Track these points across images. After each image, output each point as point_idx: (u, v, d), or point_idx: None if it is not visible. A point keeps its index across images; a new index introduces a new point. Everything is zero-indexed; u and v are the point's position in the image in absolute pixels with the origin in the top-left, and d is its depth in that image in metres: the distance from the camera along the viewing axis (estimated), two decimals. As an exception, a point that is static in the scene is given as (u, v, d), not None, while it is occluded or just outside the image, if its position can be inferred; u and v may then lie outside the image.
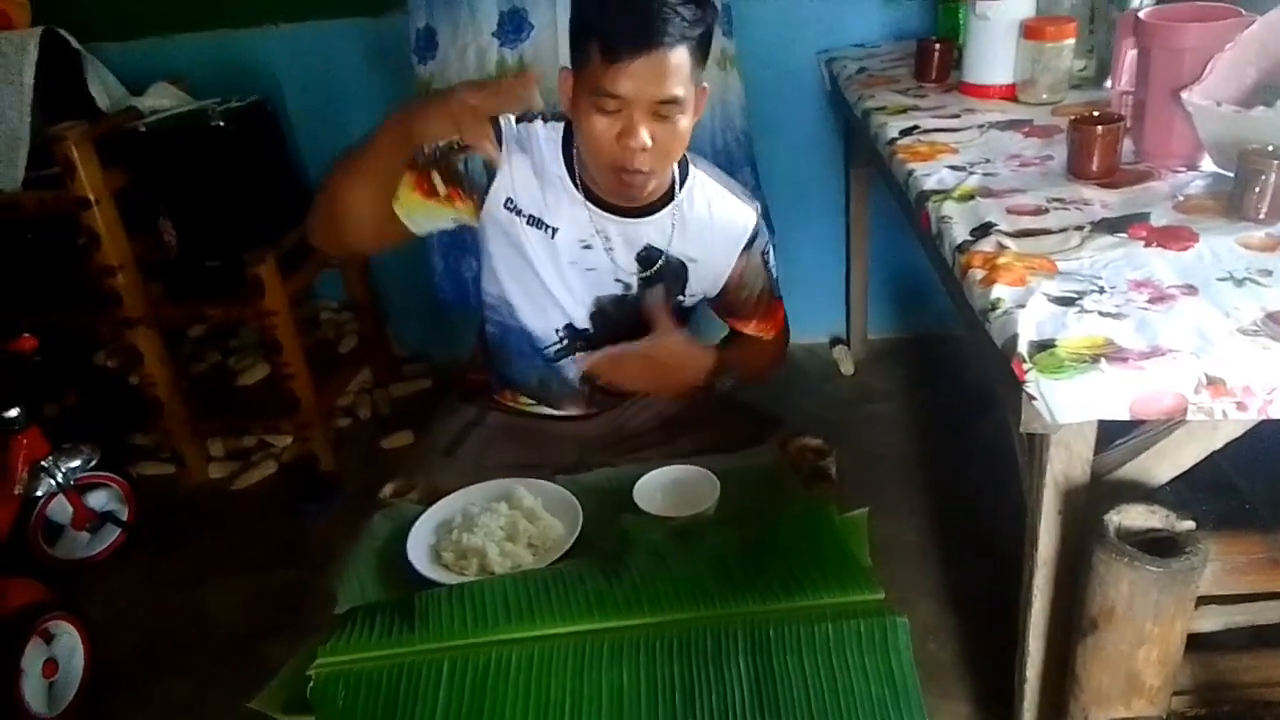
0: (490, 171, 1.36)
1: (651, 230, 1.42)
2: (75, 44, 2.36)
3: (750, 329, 1.57)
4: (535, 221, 1.40)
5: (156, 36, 2.65)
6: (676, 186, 1.41)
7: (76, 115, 2.28)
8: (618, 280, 1.45)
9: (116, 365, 2.81)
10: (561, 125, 1.39)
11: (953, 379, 2.75)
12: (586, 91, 1.22)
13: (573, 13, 1.27)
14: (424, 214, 1.35)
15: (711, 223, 1.44)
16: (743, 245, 1.47)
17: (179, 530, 2.45)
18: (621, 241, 1.42)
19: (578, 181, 1.37)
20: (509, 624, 1.02)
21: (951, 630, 1.90)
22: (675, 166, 1.39)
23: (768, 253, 1.52)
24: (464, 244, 2.32)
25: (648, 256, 1.44)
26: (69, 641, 1.93)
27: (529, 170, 1.38)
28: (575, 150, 1.36)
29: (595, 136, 1.24)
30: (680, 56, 1.20)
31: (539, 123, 1.39)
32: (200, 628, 2.13)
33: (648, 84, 1.19)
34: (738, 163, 2.48)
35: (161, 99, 2.45)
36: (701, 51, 1.24)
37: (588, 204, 1.38)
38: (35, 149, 2.29)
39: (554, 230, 1.40)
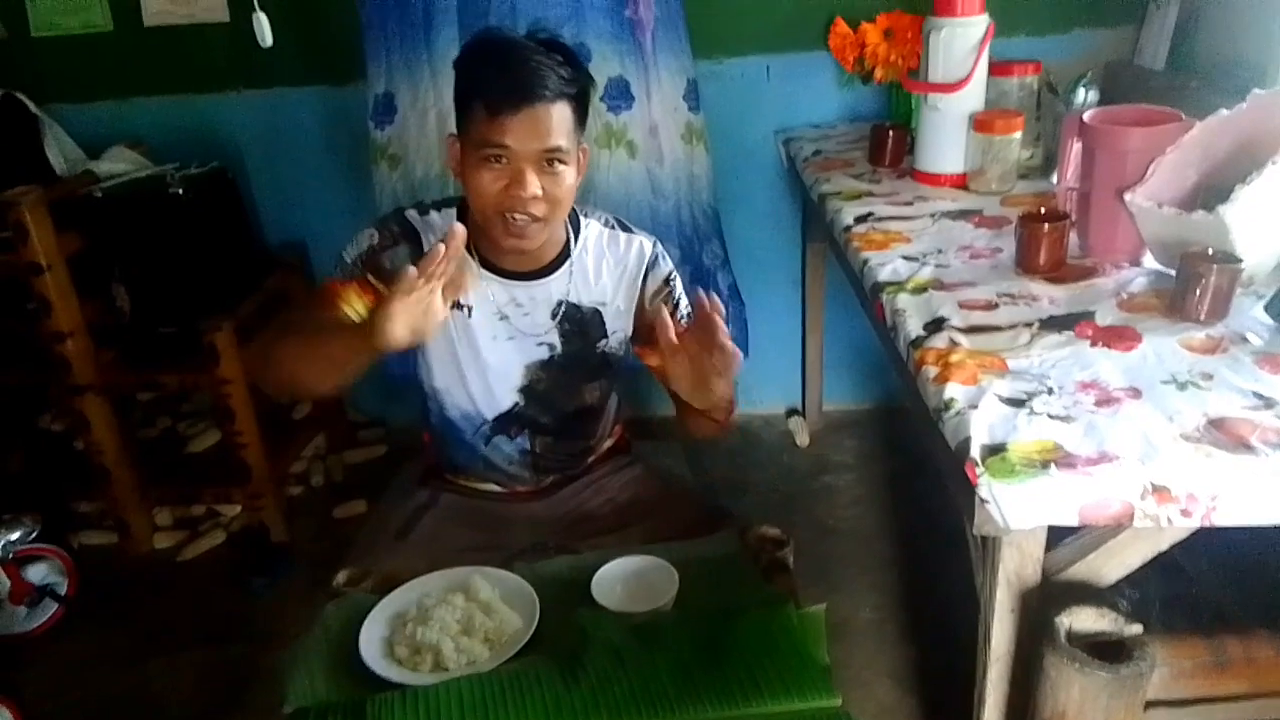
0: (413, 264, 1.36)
1: (557, 287, 1.46)
2: (33, 108, 2.34)
3: (649, 358, 1.47)
4: (454, 305, 1.41)
5: (115, 100, 2.64)
6: (571, 242, 1.46)
7: (31, 179, 2.25)
8: (540, 343, 1.48)
9: (61, 428, 2.75)
10: (454, 209, 1.45)
11: (908, 451, 2.79)
12: (474, 147, 1.29)
13: (457, 81, 1.34)
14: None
15: (609, 262, 1.49)
16: (642, 274, 1.50)
17: (122, 603, 2.38)
18: (533, 304, 1.46)
19: (478, 257, 1.42)
20: (464, 731, 1.00)
21: (907, 711, 1.90)
22: (568, 224, 1.46)
23: (672, 282, 1.52)
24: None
25: (563, 313, 1.47)
26: (3, 724, 1.87)
27: None
28: (471, 227, 1.36)
29: (483, 188, 1.30)
30: (561, 111, 1.28)
31: (432, 212, 1.45)
32: (144, 706, 2.07)
33: (531, 135, 1.27)
34: (705, 235, 2.52)
35: (119, 163, 2.43)
36: (580, 111, 1.33)
37: (493, 276, 1.43)
38: (-13, 213, 2.26)
39: (469, 309, 1.45)
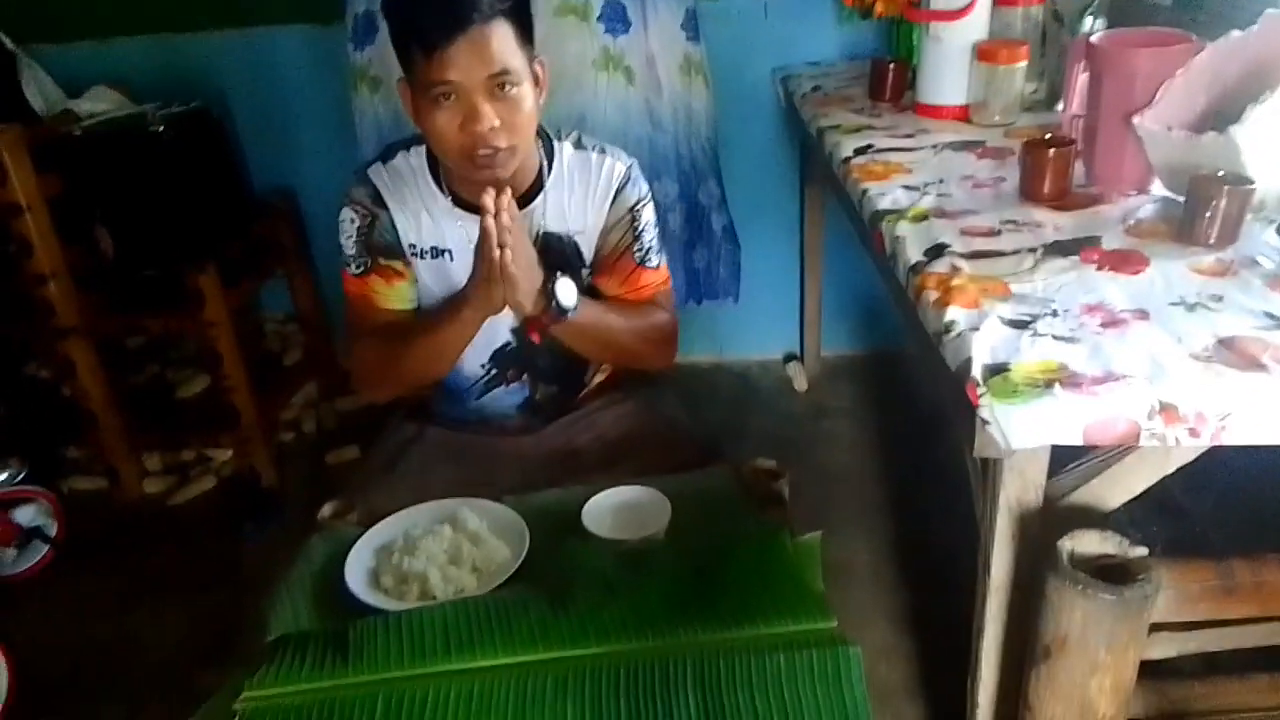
0: (394, 230, 1.41)
1: (535, 218, 1.41)
2: (10, 45, 2.28)
3: (601, 284, 1.48)
4: (435, 252, 1.42)
5: (95, 40, 2.58)
6: (545, 171, 1.41)
7: (10, 119, 2.20)
8: None
9: (49, 375, 2.71)
10: (424, 148, 1.39)
11: (906, 397, 2.76)
12: (421, 90, 1.23)
13: (389, 26, 1.28)
14: (404, 289, 1.45)
15: (584, 185, 1.43)
16: (612, 194, 1.44)
17: (111, 548, 2.36)
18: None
19: (448, 194, 1.39)
20: (448, 656, 0.98)
21: (904, 653, 1.89)
22: (542, 152, 1.40)
23: (639, 210, 1.45)
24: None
25: (544, 244, 1.42)
26: (-11, 666, 1.85)
27: (412, 206, 1.40)
28: (441, 166, 1.37)
29: (440, 131, 1.25)
30: (500, 30, 1.21)
31: (399, 154, 1.41)
32: (132, 651, 2.05)
33: (474, 63, 1.20)
34: (702, 173, 2.47)
35: (99, 103, 2.38)
36: (523, 24, 1.25)
37: (467, 214, 1.38)
38: (-35, 152, 2.21)
39: (449, 253, 1.42)
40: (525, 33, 1.26)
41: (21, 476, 2.16)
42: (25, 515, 2.26)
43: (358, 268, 1.42)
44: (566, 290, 1.32)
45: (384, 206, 1.40)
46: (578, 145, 1.44)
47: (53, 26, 2.54)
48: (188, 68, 2.59)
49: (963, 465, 1.27)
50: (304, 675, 0.98)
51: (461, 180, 1.35)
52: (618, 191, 1.44)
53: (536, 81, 1.29)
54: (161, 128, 2.22)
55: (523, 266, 1.25)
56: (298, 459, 2.67)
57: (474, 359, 1.49)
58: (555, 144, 1.43)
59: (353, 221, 1.41)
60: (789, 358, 2.98)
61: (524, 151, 1.32)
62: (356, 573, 1.19)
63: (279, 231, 2.63)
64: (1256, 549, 1.12)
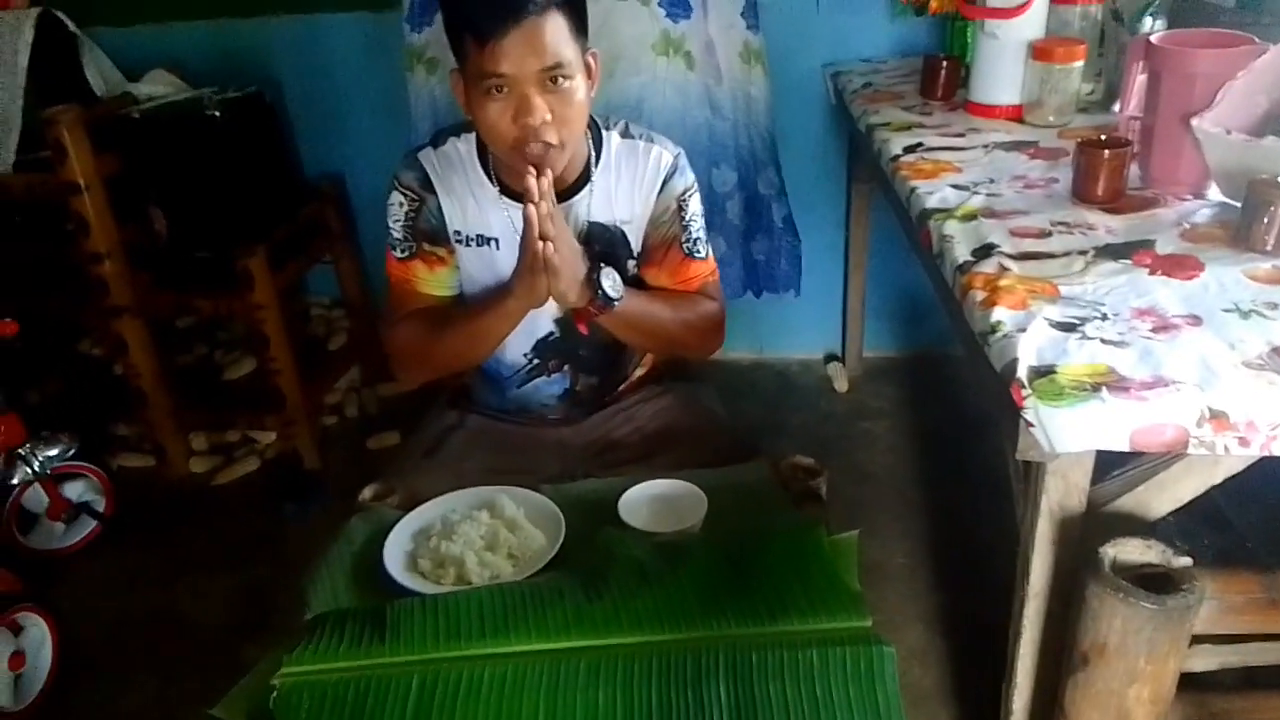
0: (440, 215, 1.42)
1: (582, 208, 1.41)
2: (73, 27, 2.33)
3: (650, 277, 1.49)
4: (480, 240, 1.42)
5: (155, 24, 2.62)
6: (593, 161, 1.40)
7: (70, 99, 2.25)
8: None
9: (101, 354, 2.78)
10: (474, 135, 1.39)
11: (947, 400, 2.73)
12: (474, 81, 1.23)
13: (444, 14, 1.28)
14: (445, 275, 1.46)
15: (632, 175, 1.42)
16: (659, 185, 1.43)
17: (156, 524, 2.41)
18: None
19: (496, 183, 1.39)
20: (483, 639, 0.98)
21: (937, 656, 1.87)
22: (590, 142, 1.39)
23: (686, 200, 1.45)
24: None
25: (590, 234, 1.42)
26: (37, 634, 1.90)
27: (459, 193, 1.40)
28: (490, 155, 1.37)
29: (492, 123, 1.24)
30: (554, 22, 1.20)
31: (450, 140, 1.41)
32: (174, 625, 2.10)
33: (527, 56, 1.19)
34: (761, 162, 2.46)
35: (157, 86, 2.42)
36: (577, 16, 1.24)
37: (514, 203, 1.37)
38: (27, 132, 2.26)
39: (495, 241, 1.42)
40: (579, 25, 1.25)
41: (72, 452, 2.20)
42: (75, 490, 2.31)
43: (402, 252, 1.44)
44: (612, 281, 1.32)
45: (432, 191, 1.41)
46: (625, 134, 1.43)
47: (113, 10, 2.59)
48: (242, 52, 2.63)
49: (1001, 469, 1.26)
50: (341, 653, 0.99)
51: (509, 170, 1.35)
52: (665, 180, 1.43)
53: (589, 73, 1.29)
54: (218, 112, 2.26)
55: (566, 257, 1.25)
56: (340, 443, 2.70)
57: (516, 348, 1.49)
58: (603, 133, 1.42)
59: (401, 205, 1.42)
60: (830, 357, 2.96)
61: (573, 145, 1.31)
62: (395, 555, 1.21)
63: (327, 216, 2.66)
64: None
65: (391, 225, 1.43)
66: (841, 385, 2.84)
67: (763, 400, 2.79)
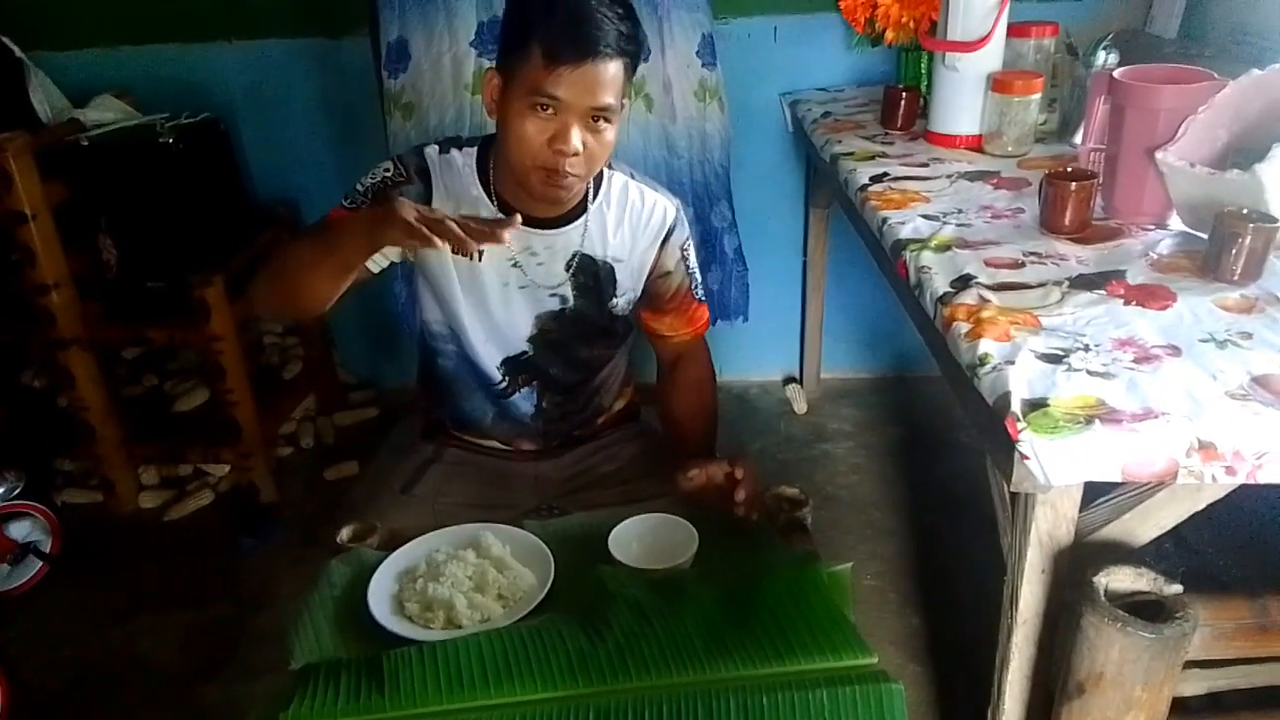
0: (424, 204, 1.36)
1: (575, 238, 1.41)
2: (18, 52, 2.26)
3: (664, 327, 1.53)
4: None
5: (103, 48, 2.55)
6: (591, 193, 1.41)
7: (15, 126, 2.17)
8: (553, 294, 1.43)
9: (44, 385, 2.68)
10: (475, 149, 1.39)
11: (906, 421, 2.77)
12: (522, 93, 1.22)
13: (510, 13, 1.28)
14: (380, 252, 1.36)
15: (631, 219, 1.44)
16: (662, 237, 1.46)
17: (107, 562, 2.33)
18: (549, 254, 1.41)
19: (495, 200, 1.37)
20: (487, 688, 0.96)
21: (912, 679, 1.88)
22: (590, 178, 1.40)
23: (687, 249, 1.50)
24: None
25: (577, 264, 1.42)
26: (-15, 683, 1.82)
27: (452, 196, 1.38)
28: (490, 171, 1.37)
29: (527, 138, 1.24)
30: (617, 69, 1.23)
31: (454, 150, 1.39)
32: (130, 666, 2.02)
33: (585, 91, 1.21)
34: (715, 196, 2.48)
35: (106, 112, 2.35)
36: (632, 70, 1.27)
37: None
38: (-31, 159, 2.18)
39: (479, 253, 1.37)
40: (631, 77, 1.28)
41: (17, 490, 2.12)
42: (20, 530, 2.22)
43: (352, 203, 1.36)
44: None
45: (426, 183, 1.37)
46: (630, 178, 1.45)
47: (60, 34, 2.51)
48: (194, 78, 2.57)
49: (964, 489, 1.28)
50: (340, 708, 0.96)
51: (511, 189, 1.35)
52: (669, 233, 1.46)
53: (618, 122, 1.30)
54: (171, 139, 2.20)
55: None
56: (296, 474, 2.64)
57: (491, 360, 1.47)
58: (605, 171, 1.42)
59: (386, 170, 1.36)
60: (788, 379, 2.98)
61: (587, 181, 1.34)
62: (380, 598, 1.18)
63: (281, 243, 2.60)
64: (1254, 574, 1.12)
65: (360, 182, 1.37)
66: (800, 407, 2.86)
67: (722, 423, 2.74)
